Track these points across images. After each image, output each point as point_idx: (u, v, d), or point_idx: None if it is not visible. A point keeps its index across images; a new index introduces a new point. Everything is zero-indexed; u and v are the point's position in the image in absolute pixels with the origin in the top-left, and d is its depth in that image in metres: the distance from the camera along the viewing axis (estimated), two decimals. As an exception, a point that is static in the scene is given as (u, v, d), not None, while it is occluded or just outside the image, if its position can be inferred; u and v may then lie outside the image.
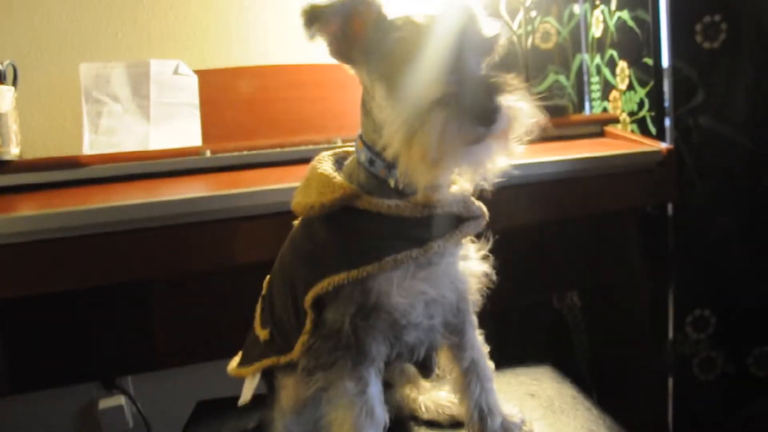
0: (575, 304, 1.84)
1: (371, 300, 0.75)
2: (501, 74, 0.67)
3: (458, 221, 0.78)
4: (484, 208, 0.81)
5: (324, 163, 0.81)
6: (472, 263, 0.83)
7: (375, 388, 0.78)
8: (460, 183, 0.79)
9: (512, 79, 0.67)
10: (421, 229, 0.76)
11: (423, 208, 0.75)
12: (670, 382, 1.54)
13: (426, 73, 0.66)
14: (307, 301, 0.77)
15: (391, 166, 0.75)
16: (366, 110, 0.77)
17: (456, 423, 0.93)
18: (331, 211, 0.76)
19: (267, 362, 0.87)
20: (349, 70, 0.78)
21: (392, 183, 0.76)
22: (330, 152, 0.85)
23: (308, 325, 0.78)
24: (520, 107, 0.67)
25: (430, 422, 0.94)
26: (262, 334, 0.89)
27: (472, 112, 0.63)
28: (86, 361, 1.44)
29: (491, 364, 0.90)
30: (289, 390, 0.86)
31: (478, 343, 0.89)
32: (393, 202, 0.75)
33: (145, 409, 1.68)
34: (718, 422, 1.52)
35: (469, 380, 0.88)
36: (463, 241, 0.82)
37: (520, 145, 0.69)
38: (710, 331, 1.50)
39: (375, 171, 0.77)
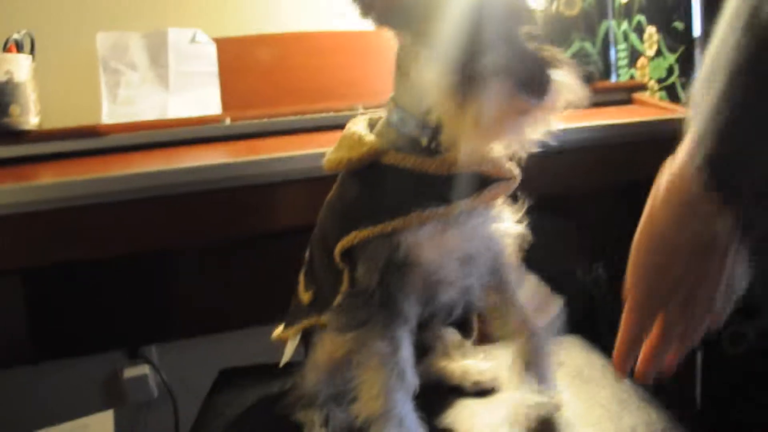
0: (601, 276, 1.80)
1: (400, 255, 0.74)
2: (549, 47, 0.67)
3: (487, 181, 0.77)
4: (516, 170, 0.79)
5: (358, 124, 0.82)
6: (506, 224, 0.82)
7: (406, 351, 0.77)
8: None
9: (560, 53, 0.67)
10: (448, 187, 0.74)
11: (450, 165, 0.74)
12: (698, 355, 1.51)
13: (475, 39, 0.65)
14: (336, 256, 0.78)
15: (424, 125, 0.75)
16: (403, 72, 0.76)
17: (480, 390, 0.92)
18: (360, 166, 0.77)
19: (307, 323, 0.88)
20: (384, 32, 0.76)
21: (424, 142, 0.75)
22: (366, 116, 0.85)
23: (345, 283, 0.79)
24: (568, 82, 0.67)
25: (456, 388, 0.93)
26: (305, 297, 0.89)
27: (527, 84, 0.64)
28: (110, 329, 1.45)
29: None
30: (325, 346, 0.85)
31: (520, 304, 0.87)
32: (419, 158, 0.74)
33: (170, 379, 1.69)
34: (747, 397, 1.49)
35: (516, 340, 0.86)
36: (497, 202, 0.80)
37: (559, 116, 0.69)
38: (740, 305, 1.46)
39: (407, 131, 0.76)
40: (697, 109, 0.51)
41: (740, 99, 0.47)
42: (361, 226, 0.75)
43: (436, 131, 0.74)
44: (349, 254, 0.78)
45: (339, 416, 0.85)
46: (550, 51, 0.67)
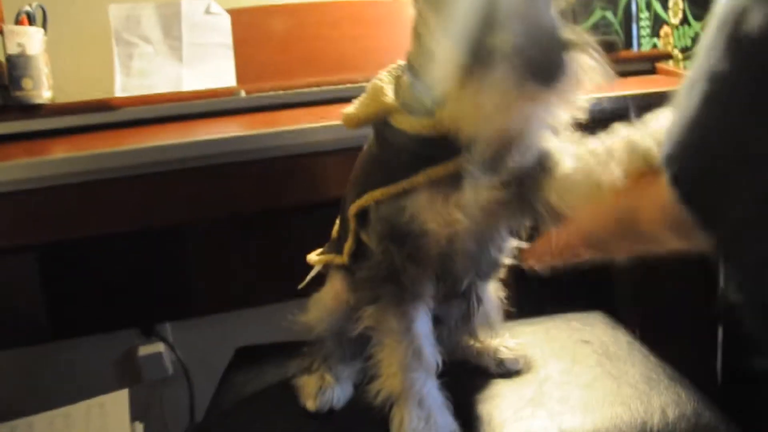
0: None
1: (404, 221, 0.72)
2: (571, 27, 0.61)
3: None
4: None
5: (386, 74, 0.79)
6: None
7: (422, 326, 0.75)
8: None
9: (583, 34, 0.61)
10: (453, 148, 0.69)
11: (448, 124, 0.68)
12: (720, 331, 1.48)
13: (490, 12, 0.59)
14: (350, 217, 0.78)
15: (431, 88, 0.70)
16: (417, 34, 0.72)
17: (505, 370, 0.89)
18: (367, 124, 0.77)
19: (327, 258, 0.89)
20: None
21: (429, 104, 0.71)
22: (398, 66, 0.80)
23: (351, 240, 0.80)
24: (589, 65, 0.60)
25: (481, 367, 0.91)
26: (334, 231, 0.90)
27: (538, 69, 0.57)
28: (125, 307, 1.44)
29: None
30: (334, 285, 0.87)
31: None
32: (419, 122, 0.71)
33: (184, 356, 1.69)
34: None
35: None
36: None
37: (579, 99, 0.63)
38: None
39: (416, 92, 0.73)
40: (677, 116, 0.46)
41: (715, 119, 0.42)
42: (375, 187, 0.74)
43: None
44: (363, 215, 0.77)
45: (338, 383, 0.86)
46: (572, 32, 0.60)
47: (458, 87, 0.61)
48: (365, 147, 0.83)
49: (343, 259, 0.83)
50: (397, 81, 0.78)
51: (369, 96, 0.77)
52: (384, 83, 0.77)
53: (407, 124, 0.72)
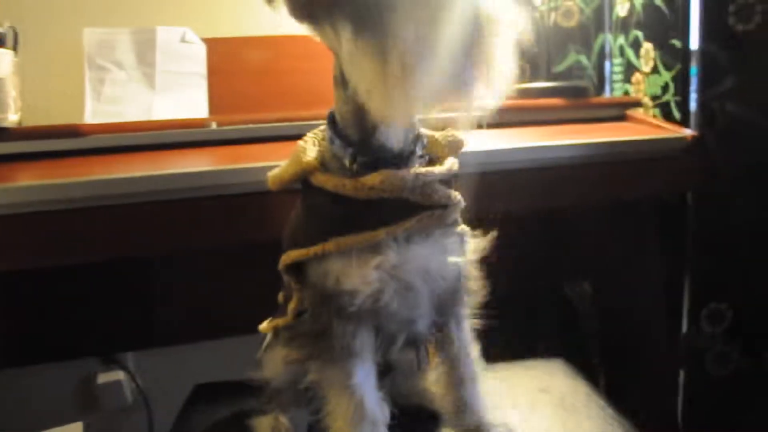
0: (586, 291, 1.79)
1: (330, 283, 0.72)
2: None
3: (417, 209, 0.72)
4: (457, 196, 0.75)
5: (310, 135, 0.79)
6: (456, 254, 0.77)
7: (362, 380, 0.74)
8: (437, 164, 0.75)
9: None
10: (372, 212, 0.70)
11: (369, 189, 0.70)
12: (681, 375, 1.50)
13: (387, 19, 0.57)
14: (282, 272, 0.79)
15: (348, 144, 0.72)
16: (336, 80, 0.72)
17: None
18: (290, 185, 0.77)
19: (275, 323, 0.88)
20: (314, 36, 0.69)
21: (347, 163, 0.72)
22: (320, 127, 0.81)
23: (295, 300, 0.80)
24: (502, 16, 0.59)
25: (437, 412, 0.89)
26: (280, 296, 0.90)
27: (441, 70, 0.57)
28: (85, 335, 1.42)
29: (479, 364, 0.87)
30: (280, 351, 0.87)
31: (465, 339, 0.85)
32: (340, 181, 0.71)
33: (145, 386, 1.65)
34: (731, 419, 1.48)
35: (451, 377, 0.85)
36: (444, 232, 0.75)
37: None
38: (726, 326, 1.45)
39: (335, 149, 0.73)
40: None
41: None
42: (295, 247, 0.74)
43: (357, 151, 0.71)
44: (297, 274, 0.77)
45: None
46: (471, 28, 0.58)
47: (379, 69, 0.58)
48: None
49: (288, 319, 0.83)
50: (321, 140, 0.78)
51: (292, 156, 0.77)
52: (307, 143, 0.78)
53: (325, 180, 0.72)
